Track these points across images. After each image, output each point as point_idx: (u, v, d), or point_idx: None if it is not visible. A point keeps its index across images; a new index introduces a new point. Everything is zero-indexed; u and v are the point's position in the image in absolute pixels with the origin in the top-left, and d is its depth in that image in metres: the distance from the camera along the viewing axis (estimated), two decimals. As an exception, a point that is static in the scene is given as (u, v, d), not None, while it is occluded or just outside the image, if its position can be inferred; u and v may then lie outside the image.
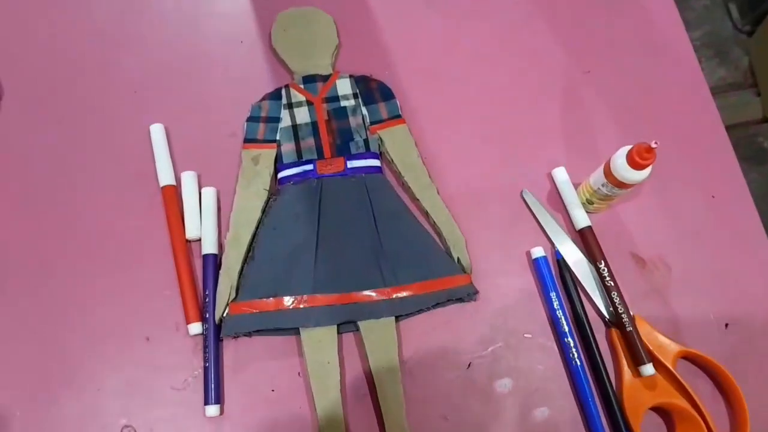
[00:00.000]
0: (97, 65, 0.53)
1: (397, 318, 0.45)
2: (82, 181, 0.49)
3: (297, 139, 0.49)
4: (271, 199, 0.48)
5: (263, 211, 0.47)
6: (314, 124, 0.49)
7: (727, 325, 0.46)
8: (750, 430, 0.42)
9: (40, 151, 0.50)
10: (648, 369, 0.42)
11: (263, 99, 0.51)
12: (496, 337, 0.45)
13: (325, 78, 0.51)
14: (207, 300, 0.44)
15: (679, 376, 0.43)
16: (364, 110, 0.50)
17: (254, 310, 0.43)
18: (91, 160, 0.49)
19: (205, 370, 0.43)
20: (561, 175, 0.49)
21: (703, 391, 0.44)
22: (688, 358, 0.45)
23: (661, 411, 0.44)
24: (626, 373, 0.43)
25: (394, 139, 0.49)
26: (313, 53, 0.52)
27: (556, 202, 0.49)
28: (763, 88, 1.31)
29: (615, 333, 0.45)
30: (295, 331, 0.44)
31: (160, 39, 0.54)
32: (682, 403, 0.42)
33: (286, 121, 0.50)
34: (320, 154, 0.48)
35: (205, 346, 0.43)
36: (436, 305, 0.45)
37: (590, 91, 0.54)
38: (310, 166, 0.48)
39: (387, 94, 0.51)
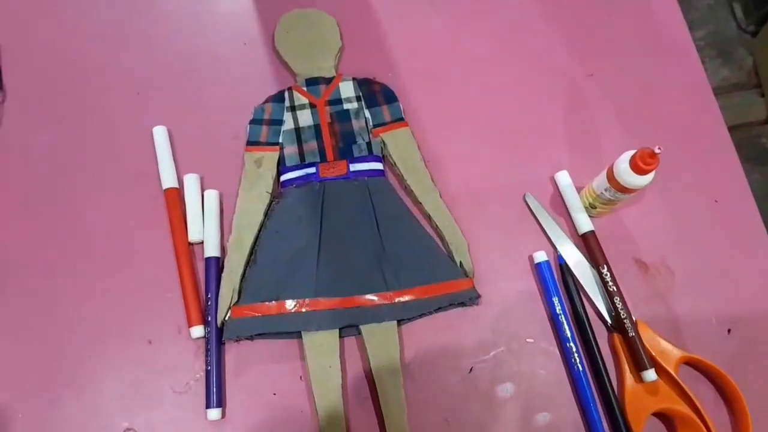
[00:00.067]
0: (99, 66, 0.53)
1: (399, 321, 0.45)
2: (84, 182, 0.49)
3: (300, 141, 0.49)
4: (273, 202, 0.47)
5: (266, 214, 0.47)
6: (317, 127, 0.49)
7: (729, 330, 0.46)
8: (752, 436, 0.42)
9: (42, 152, 0.50)
10: (650, 374, 0.42)
11: (266, 101, 0.51)
12: (498, 342, 0.45)
13: (328, 80, 0.51)
14: (209, 303, 0.44)
15: (681, 382, 0.43)
16: (367, 113, 0.50)
17: (256, 314, 0.43)
18: (94, 161, 0.49)
19: (207, 373, 0.43)
20: (564, 179, 0.49)
21: (706, 397, 0.44)
22: (690, 363, 0.45)
23: (663, 417, 0.44)
24: (628, 379, 0.43)
25: (396, 142, 0.49)
26: (316, 55, 0.52)
27: (559, 205, 0.49)
28: (767, 88, 1.30)
29: (617, 338, 0.45)
30: (297, 335, 0.44)
31: (162, 40, 0.54)
32: (684, 408, 0.42)
33: (288, 123, 0.49)
34: (323, 157, 0.48)
35: (207, 349, 0.43)
36: (439, 309, 0.45)
37: (593, 92, 0.54)
38: (312, 169, 0.48)
39: (390, 97, 0.51)
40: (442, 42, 0.55)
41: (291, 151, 0.49)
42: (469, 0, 0.57)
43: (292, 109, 0.50)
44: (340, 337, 0.44)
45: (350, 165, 0.48)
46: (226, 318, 0.44)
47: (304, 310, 0.43)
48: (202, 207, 0.47)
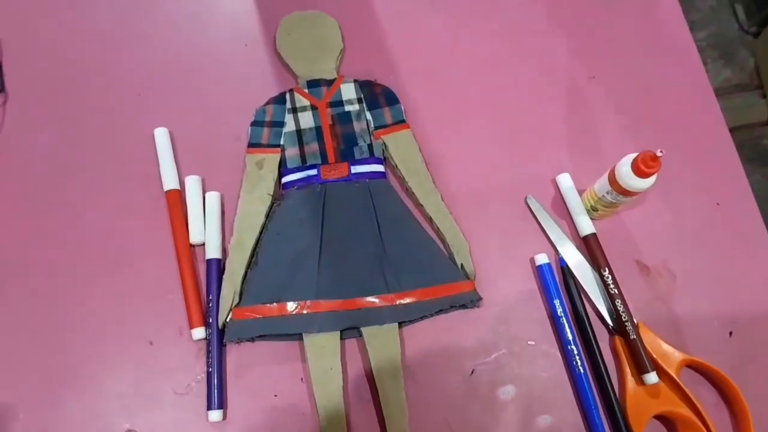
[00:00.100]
0: (100, 67, 0.53)
1: (400, 324, 0.45)
2: (85, 183, 0.49)
3: (301, 143, 0.49)
4: (275, 204, 0.47)
5: (267, 216, 0.47)
6: (318, 129, 0.49)
7: (731, 333, 0.46)
8: (753, 439, 0.42)
9: (43, 152, 0.50)
10: (651, 377, 0.42)
11: (267, 103, 0.50)
12: (500, 344, 0.45)
13: (330, 82, 0.51)
14: (210, 305, 0.44)
15: (682, 385, 0.42)
16: (369, 115, 0.50)
17: (257, 316, 0.43)
18: (95, 162, 0.49)
19: (208, 375, 0.43)
20: (565, 181, 0.49)
21: (707, 400, 0.44)
22: (691, 366, 0.45)
23: (664, 420, 0.44)
24: (630, 381, 0.43)
25: (398, 144, 0.49)
26: (318, 57, 0.52)
27: (561, 208, 0.49)
28: (768, 89, 1.30)
29: (619, 340, 0.44)
30: (298, 337, 0.44)
31: (163, 41, 0.54)
32: (685, 411, 0.42)
33: (290, 125, 0.49)
34: (324, 159, 0.48)
35: (209, 351, 0.43)
36: (440, 311, 0.45)
37: (593, 92, 0.54)
38: (314, 171, 0.48)
39: (391, 99, 0.51)
40: (442, 43, 0.55)
41: (292, 153, 0.49)
42: (469, 0, 0.57)
43: (294, 110, 0.50)
44: (341, 339, 0.44)
45: (351, 167, 0.48)
46: (228, 320, 0.44)
47: (305, 312, 0.43)
48: (204, 209, 0.47)
